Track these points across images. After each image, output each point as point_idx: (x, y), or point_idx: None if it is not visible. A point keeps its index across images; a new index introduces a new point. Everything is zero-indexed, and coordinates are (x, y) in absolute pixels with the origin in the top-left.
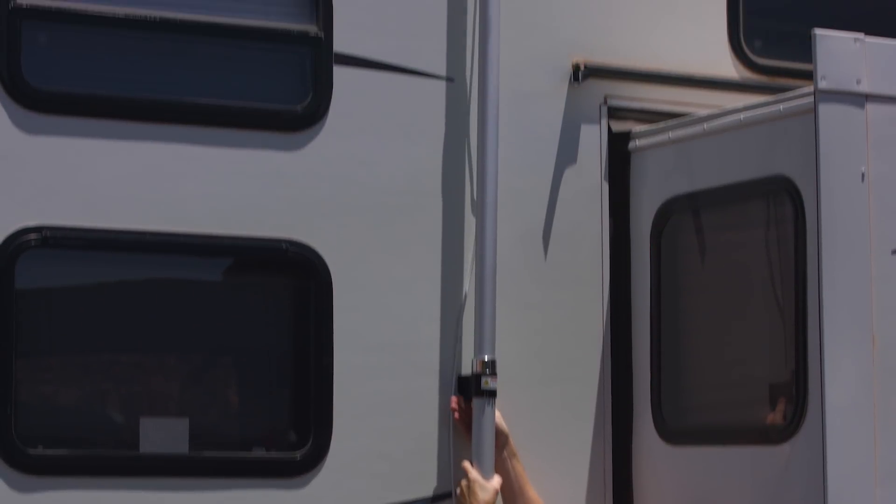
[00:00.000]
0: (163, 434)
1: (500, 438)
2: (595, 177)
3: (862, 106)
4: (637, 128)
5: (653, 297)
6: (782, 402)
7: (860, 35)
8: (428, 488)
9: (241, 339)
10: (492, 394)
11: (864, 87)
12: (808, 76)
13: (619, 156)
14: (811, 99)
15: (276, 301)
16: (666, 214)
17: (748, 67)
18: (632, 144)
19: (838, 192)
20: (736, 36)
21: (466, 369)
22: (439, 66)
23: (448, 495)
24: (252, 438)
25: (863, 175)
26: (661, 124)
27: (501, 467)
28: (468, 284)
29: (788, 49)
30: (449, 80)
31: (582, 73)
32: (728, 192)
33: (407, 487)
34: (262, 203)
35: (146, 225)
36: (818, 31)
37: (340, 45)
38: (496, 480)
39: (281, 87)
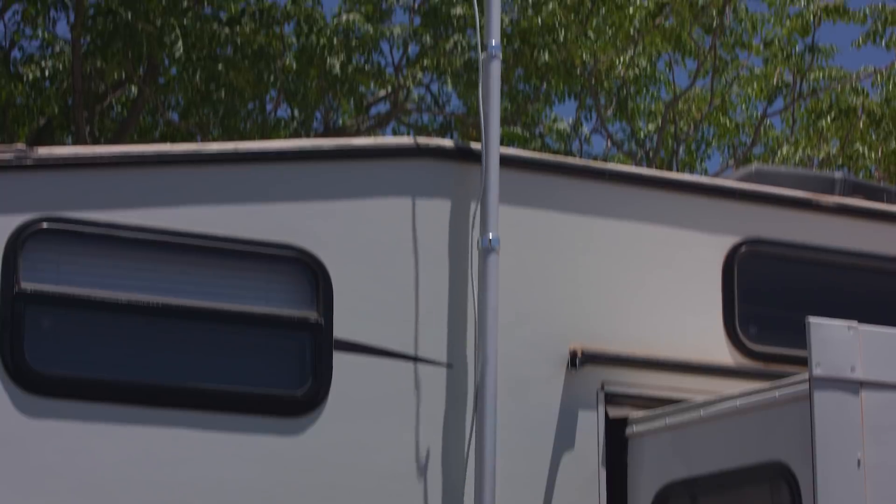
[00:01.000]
0: None
1: None
2: (593, 462)
3: (857, 392)
4: (634, 413)
5: None
6: None
7: (854, 323)
8: None
9: None
10: None
11: (859, 374)
12: (804, 362)
13: (617, 441)
14: (806, 386)
15: None
16: (664, 500)
17: (744, 354)
18: (629, 430)
19: (835, 478)
20: (731, 323)
21: None
22: (439, 353)
23: None
24: None
25: (859, 462)
26: (658, 410)
27: None
28: None
29: (783, 336)
30: (448, 366)
31: (579, 360)
32: (725, 478)
33: None
34: (262, 488)
35: None
36: (812, 319)
37: (340, 331)
38: None
39: (281, 373)
